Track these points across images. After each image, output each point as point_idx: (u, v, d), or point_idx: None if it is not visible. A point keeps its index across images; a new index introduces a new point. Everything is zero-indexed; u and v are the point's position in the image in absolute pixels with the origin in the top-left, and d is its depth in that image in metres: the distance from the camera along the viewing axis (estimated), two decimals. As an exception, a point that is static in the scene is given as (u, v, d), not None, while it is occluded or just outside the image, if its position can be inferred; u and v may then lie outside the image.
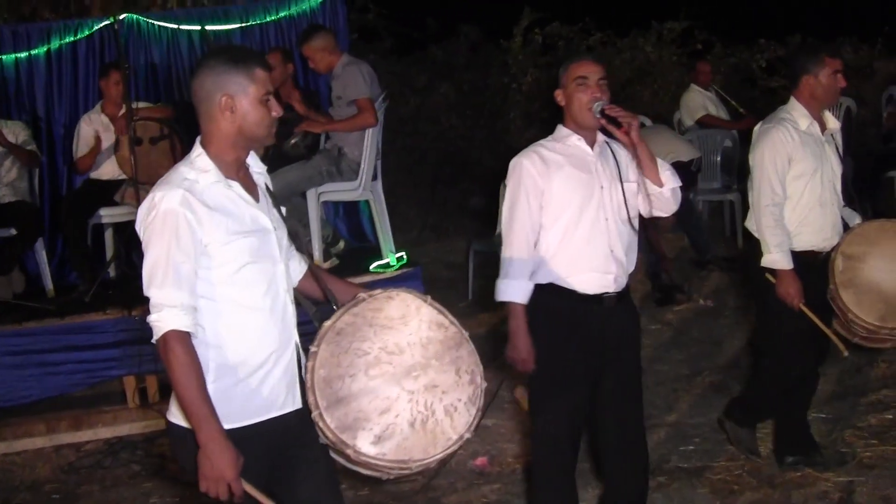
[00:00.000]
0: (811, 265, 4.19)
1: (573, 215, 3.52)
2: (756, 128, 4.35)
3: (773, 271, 4.18)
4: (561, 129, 3.64)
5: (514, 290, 3.57)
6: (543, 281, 3.58)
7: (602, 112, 3.43)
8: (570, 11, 12.39)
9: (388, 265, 6.24)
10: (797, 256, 4.17)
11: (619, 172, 3.54)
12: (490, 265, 8.18)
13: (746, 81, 13.00)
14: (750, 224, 4.32)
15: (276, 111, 2.71)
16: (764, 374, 4.57)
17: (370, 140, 6.03)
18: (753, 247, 4.28)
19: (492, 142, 11.70)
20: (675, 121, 9.51)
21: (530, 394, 3.85)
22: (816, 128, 4.22)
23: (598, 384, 3.63)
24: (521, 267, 3.56)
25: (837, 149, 4.31)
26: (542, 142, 3.65)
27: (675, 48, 12.42)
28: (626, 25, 12.62)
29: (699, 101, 9.17)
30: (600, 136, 3.62)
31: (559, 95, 3.61)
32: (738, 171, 8.76)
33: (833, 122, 4.29)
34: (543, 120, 11.84)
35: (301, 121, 6.16)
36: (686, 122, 9.21)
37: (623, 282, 3.60)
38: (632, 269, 3.68)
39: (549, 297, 3.57)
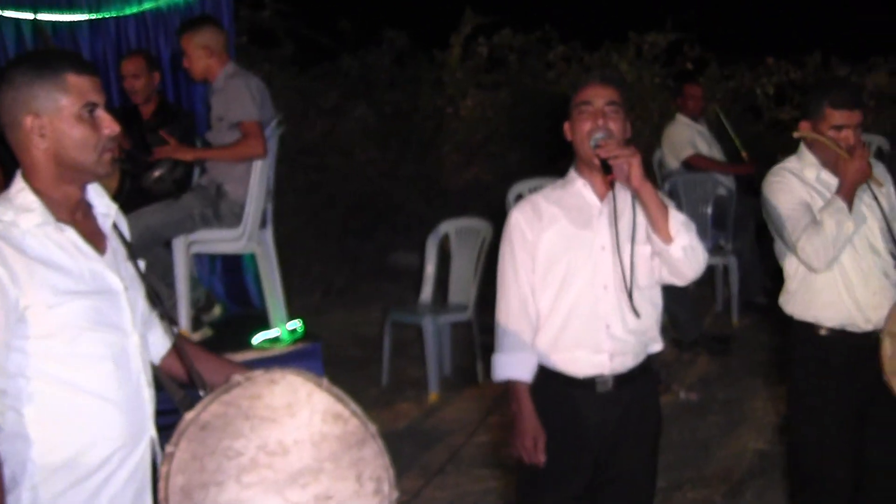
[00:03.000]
0: (861, 347, 4.26)
1: (561, 279, 3.68)
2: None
3: None
4: (570, 172, 3.81)
5: (512, 365, 3.72)
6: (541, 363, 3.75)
7: (597, 148, 3.53)
8: (526, 17, 12.59)
9: (277, 339, 6.23)
10: (839, 336, 4.28)
11: (635, 231, 3.58)
12: (412, 342, 8.26)
13: (749, 112, 13.29)
14: (787, 303, 4.43)
15: (110, 127, 2.69)
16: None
17: (258, 175, 6.04)
18: (795, 335, 4.40)
19: (420, 181, 11.82)
20: (656, 161, 9.67)
21: (515, 490, 3.96)
22: (829, 176, 4.31)
23: (596, 485, 3.75)
24: (518, 337, 3.71)
25: (877, 197, 4.37)
26: (546, 188, 3.85)
27: (658, 67, 12.68)
28: (597, 37, 12.86)
29: (686, 136, 9.29)
30: (620, 189, 3.66)
31: (567, 128, 3.74)
32: (734, 228, 8.94)
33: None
34: (490, 154, 12.01)
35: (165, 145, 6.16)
36: (669, 162, 9.35)
37: (626, 363, 3.70)
38: (653, 348, 3.80)
39: (537, 380, 3.73)
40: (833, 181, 4.30)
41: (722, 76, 13.13)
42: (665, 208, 3.52)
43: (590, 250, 3.65)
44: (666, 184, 8.95)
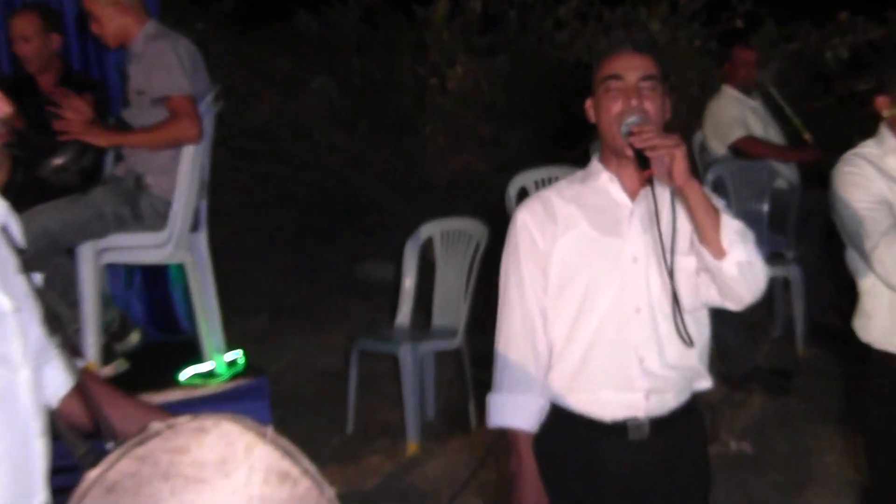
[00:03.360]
0: None
1: (580, 300, 3.64)
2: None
3: None
4: (593, 163, 3.79)
5: (513, 409, 3.70)
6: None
7: (630, 136, 3.48)
8: (530, -36, 12.65)
9: (212, 373, 6.22)
10: None
11: (675, 238, 3.47)
12: (386, 377, 8.23)
13: (817, 81, 13.27)
14: (863, 328, 4.41)
15: None
16: None
17: (188, 165, 6.05)
18: (874, 368, 4.38)
19: (397, 171, 11.85)
20: (696, 145, 9.69)
21: None
22: None
23: None
24: (522, 374, 3.68)
25: None
26: (564, 181, 3.85)
27: (698, 26, 12.71)
28: (620, -13, 12.91)
29: (735, 114, 9.32)
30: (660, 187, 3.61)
31: (589, 108, 3.75)
32: (797, 230, 8.92)
33: None
34: (484, 137, 12.03)
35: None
36: (714, 147, 9.37)
37: (666, 403, 3.66)
38: (699, 385, 3.77)
39: (549, 421, 3.72)
40: None
41: (780, 37, 13.14)
42: (716, 213, 3.44)
43: (617, 262, 3.60)
44: (709, 174, 8.93)
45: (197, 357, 6.34)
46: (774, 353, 8.90)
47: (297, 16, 12.12)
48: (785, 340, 9.06)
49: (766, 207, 8.91)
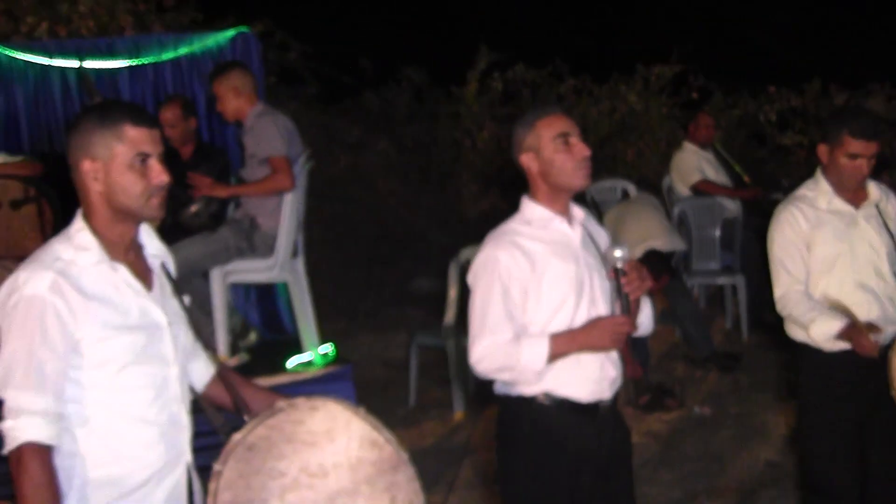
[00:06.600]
0: (868, 366, 4.21)
1: (566, 319, 3.44)
2: None
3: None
4: (532, 208, 3.56)
5: (533, 348, 3.41)
6: (528, 392, 3.52)
7: (619, 271, 3.33)
8: (537, 52, 12.63)
9: (310, 363, 6.24)
10: (844, 354, 4.22)
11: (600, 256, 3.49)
12: (437, 363, 8.23)
13: (753, 138, 13.29)
14: (790, 329, 4.47)
15: (158, 177, 2.74)
16: None
17: (289, 208, 6.07)
18: (801, 353, 4.42)
19: (440, 211, 11.82)
20: (665, 187, 9.71)
21: None
22: (841, 203, 4.30)
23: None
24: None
25: (886, 222, 4.35)
26: (513, 225, 3.57)
27: (664, 97, 12.71)
28: (606, 70, 12.91)
29: (694, 163, 9.34)
30: (576, 211, 3.56)
31: (529, 159, 3.53)
32: (743, 249, 8.91)
33: (875, 193, 4.36)
34: (504, 185, 12.00)
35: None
36: (678, 188, 9.39)
37: (617, 384, 3.57)
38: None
39: (534, 410, 3.51)
40: (845, 208, 4.29)
41: (726, 104, 13.15)
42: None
43: (582, 285, 3.45)
44: (675, 209, 9.00)
45: (299, 350, 6.35)
46: (726, 340, 8.88)
47: (364, 95, 12.12)
48: (734, 331, 9.05)
49: (718, 233, 9.03)
